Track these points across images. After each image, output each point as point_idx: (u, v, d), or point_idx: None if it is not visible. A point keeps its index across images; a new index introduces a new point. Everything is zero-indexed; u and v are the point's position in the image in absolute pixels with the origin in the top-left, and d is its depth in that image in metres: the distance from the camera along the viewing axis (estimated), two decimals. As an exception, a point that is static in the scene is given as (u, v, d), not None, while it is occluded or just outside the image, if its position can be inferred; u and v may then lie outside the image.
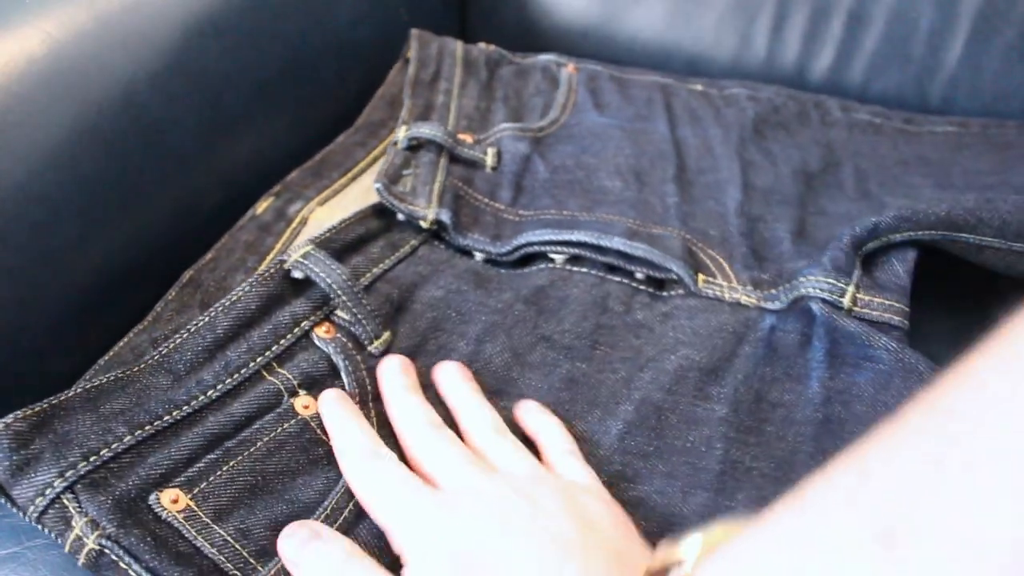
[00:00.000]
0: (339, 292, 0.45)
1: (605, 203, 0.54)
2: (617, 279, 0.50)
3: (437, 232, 0.52)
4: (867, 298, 0.46)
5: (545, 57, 0.70)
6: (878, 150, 0.62)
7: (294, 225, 0.54)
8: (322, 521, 0.38)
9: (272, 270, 0.46)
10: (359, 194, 0.57)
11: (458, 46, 0.68)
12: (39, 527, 0.37)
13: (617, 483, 0.41)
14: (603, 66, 0.69)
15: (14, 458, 0.37)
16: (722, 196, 0.55)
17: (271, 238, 0.53)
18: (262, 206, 0.55)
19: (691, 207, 0.54)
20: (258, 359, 0.43)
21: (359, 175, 0.59)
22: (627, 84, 0.68)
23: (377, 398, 0.44)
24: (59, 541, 0.36)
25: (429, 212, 0.51)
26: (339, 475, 0.40)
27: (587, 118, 0.63)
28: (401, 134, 0.56)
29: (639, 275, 0.50)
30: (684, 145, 0.60)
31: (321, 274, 0.45)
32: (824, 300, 0.46)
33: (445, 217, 0.51)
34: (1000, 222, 0.49)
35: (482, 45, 0.70)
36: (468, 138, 0.58)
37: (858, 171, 0.59)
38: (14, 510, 0.37)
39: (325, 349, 0.45)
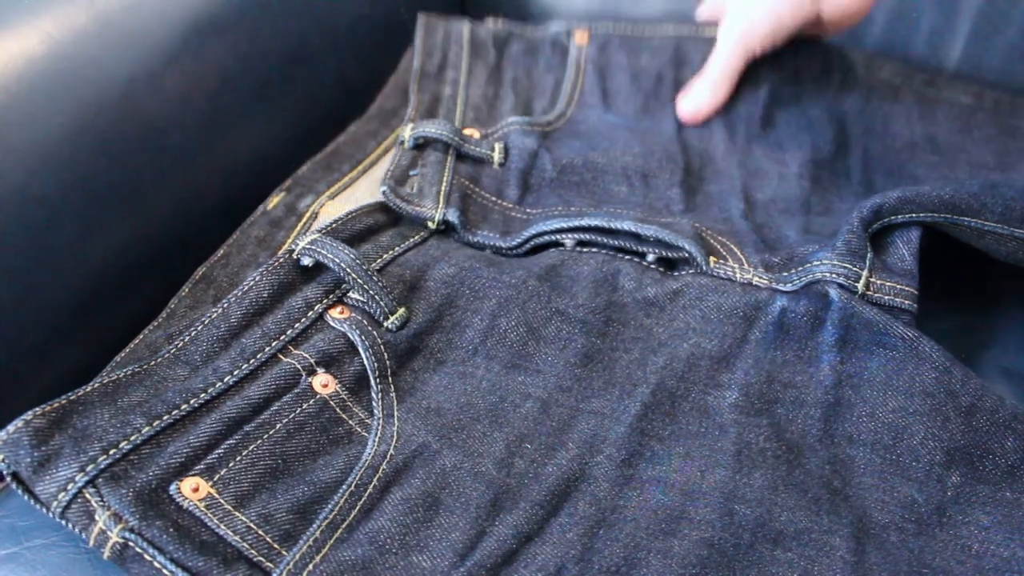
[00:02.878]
0: (349, 271, 0.46)
1: (611, 203, 0.54)
2: (628, 257, 0.50)
3: (445, 229, 0.53)
4: (879, 282, 0.47)
5: (555, 27, 0.67)
6: (889, 127, 0.61)
7: (305, 220, 0.54)
8: (346, 499, 0.39)
9: (281, 259, 0.46)
10: (370, 186, 0.56)
11: (464, 29, 0.67)
12: (63, 522, 0.37)
13: (636, 463, 0.42)
14: (615, 28, 0.67)
15: (35, 454, 0.37)
16: (725, 205, 0.55)
17: (282, 233, 0.53)
18: (273, 201, 0.55)
19: (696, 213, 0.54)
20: (273, 343, 0.44)
21: (370, 167, 0.58)
22: (639, 51, 0.65)
23: (396, 373, 0.44)
24: (83, 535, 0.37)
25: (436, 213, 0.51)
26: (360, 452, 0.41)
27: (592, 114, 0.62)
28: (407, 133, 0.56)
29: (651, 257, 0.50)
30: (689, 151, 0.59)
31: (329, 255, 0.46)
32: (840, 285, 0.46)
33: (452, 217, 0.51)
34: (1003, 208, 0.49)
35: (489, 22, 0.68)
36: (475, 133, 0.58)
37: (866, 157, 0.59)
38: (38, 507, 0.37)
39: (340, 328, 0.45)
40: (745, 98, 0.61)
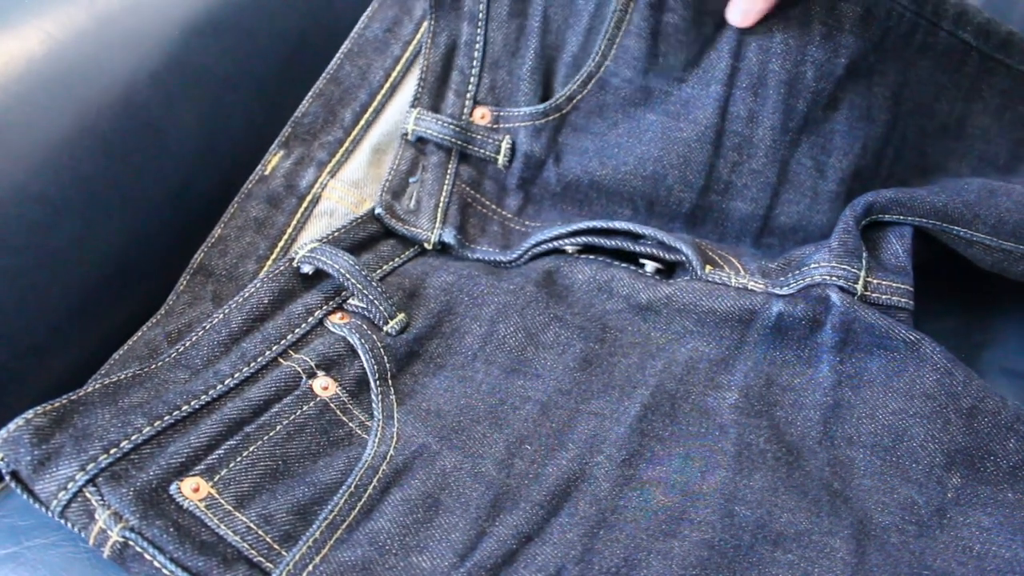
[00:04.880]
0: (348, 276, 0.46)
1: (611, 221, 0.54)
2: (623, 265, 0.50)
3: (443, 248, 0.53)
4: (875, 281, 0.47)
5: None
6: (937, 103, 0.56)
7: (305, 204, 0.54)
8: (346, 500, 0.39)
9: (282, 267, 0.47)
10: (370, 157, 0.56)
11: None
12: (63, 521, 0.37)
13: (636, 463, 0.42)
14: None
15: (36, 453, 0.37)
16: (736, 237, 0.53)
17: (282, 217, 0.53)
18: (271, 163, 0.54)
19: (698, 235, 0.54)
20: (274, 347, 0.44)
21: (374, 118, 0.57)
22: None
23: (396, 376, 0.44)
24: (83, 535, 0.37)
25: (432, 234, 0.52)
26: (360, 453, 0.41)
27: (627, 78, 0.53)
28: (411, 125, 0.54)
29: (649, 268, 0.50)
30: (724, 143, 0.52)
31: (329, 262, 0.46)
32: (841, 288, 0.46)
33: (448, 238, 0.52)
34: (996, 220, 0.49)
35: None
36: (486, 115, 0.55)
37: (901, 147, 0.54)
38: (37, 505, 0.37)
39: (340, 332, 0.45)
40: (820, 70, 0.51)
